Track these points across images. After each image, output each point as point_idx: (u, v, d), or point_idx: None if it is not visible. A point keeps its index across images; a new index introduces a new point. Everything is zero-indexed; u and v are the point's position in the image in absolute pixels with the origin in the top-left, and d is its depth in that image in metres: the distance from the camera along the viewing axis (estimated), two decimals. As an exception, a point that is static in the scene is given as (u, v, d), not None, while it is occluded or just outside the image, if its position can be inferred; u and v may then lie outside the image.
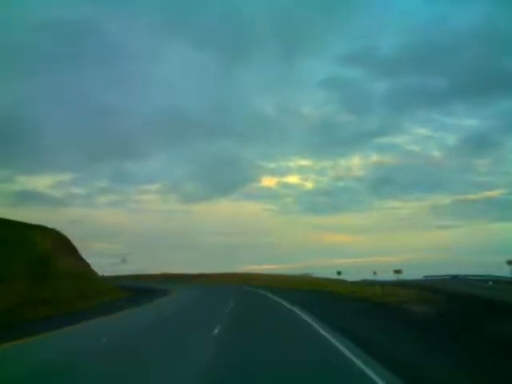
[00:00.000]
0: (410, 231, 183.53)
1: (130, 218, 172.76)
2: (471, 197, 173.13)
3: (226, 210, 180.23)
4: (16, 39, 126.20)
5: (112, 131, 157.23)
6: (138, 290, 54.32)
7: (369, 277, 73.89)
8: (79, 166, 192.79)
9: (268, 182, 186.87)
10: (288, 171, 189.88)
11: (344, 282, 64.61)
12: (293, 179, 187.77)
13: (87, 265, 48.65)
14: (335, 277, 75.37)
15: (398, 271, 50.54)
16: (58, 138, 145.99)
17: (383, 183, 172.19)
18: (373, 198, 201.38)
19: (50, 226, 45.97)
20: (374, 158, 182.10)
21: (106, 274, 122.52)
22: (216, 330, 13.30)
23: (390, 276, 73.99)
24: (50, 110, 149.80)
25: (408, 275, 62.07)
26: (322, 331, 12.85)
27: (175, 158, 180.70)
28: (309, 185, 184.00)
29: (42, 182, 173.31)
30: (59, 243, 44.60)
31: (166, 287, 60.71)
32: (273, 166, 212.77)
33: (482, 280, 49.52)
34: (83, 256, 48.95)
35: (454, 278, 58.71)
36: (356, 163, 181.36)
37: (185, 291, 51.57)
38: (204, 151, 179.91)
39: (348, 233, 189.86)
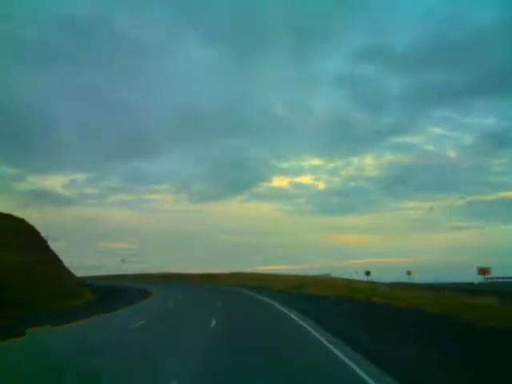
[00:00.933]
0: (427, 232, 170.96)
1: (140, 218, 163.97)
2: (487, 197, 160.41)
3: (236, 209, 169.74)
4: (31, 36, 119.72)
5: (124, 131, 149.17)
6: (113, 291, 48.20)
7: (403, 278, 62.38)
8: (92, 165, 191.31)
9: (280, 181, 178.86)
10: (301, 171, 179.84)
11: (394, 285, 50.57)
12: (306, 179, 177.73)
13: (51, 260, 37.81)
14: (362, 278, 63.88)
15: (484, 270, 37.00)
16: (70, 137, 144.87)
17: (397, 183, 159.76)
18: (387, 198, 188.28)
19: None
20: (388, 157, 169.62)
21: (108, 272, 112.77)
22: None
23: (424, 278, 62.25)
24: (62, 111, 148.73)
25: (447, 277, 50.82)
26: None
27: (186, 158, 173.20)
28: (321, 185, 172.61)
29: (55, 182, 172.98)
30: (13, 235, 33.88)
31: (151, 288, 56.70)
32: (285, 165, 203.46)
33: None
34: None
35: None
36: (369, 163, 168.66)
37: (165, 294, 45.34)
38: (215, 151, 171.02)
39: (362, 233, 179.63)
